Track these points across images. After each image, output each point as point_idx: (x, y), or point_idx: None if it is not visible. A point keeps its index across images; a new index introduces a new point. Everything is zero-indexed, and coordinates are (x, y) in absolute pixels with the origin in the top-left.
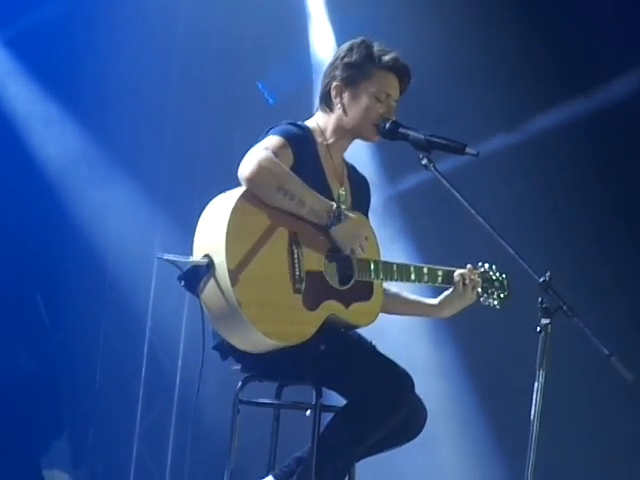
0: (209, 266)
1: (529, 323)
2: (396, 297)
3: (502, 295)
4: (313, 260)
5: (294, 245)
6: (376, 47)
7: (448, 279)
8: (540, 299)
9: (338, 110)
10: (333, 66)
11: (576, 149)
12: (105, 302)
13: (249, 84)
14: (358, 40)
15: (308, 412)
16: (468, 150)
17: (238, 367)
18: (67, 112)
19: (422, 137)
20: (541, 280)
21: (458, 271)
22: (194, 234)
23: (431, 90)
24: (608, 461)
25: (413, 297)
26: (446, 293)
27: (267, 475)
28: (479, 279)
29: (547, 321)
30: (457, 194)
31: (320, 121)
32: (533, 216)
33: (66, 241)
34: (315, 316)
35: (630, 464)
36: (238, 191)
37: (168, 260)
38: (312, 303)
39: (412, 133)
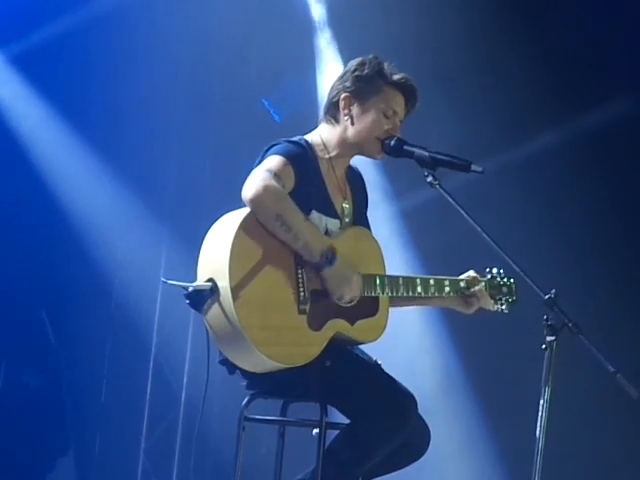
0: (213, 290)
1: (535, 340)
2: None
3: (510, 300)
4: (319, 278)
5: (299, 265)
6: (386, 65)
7: (455, 289)
8: (545, 316)
9: (345, 122)
10: (343, 79)
11: (582, 165)
12: (111, 319)
13: (256, 101)
14: (370, 56)
15: (315, 431)
16: (474, 167)
17: (244, 383)
18: (74, 130)
19: (427, 154)
20: (546, 297)
21: (472, 289)
22: (200, 252)
23: (432, 107)
24: (613, 477)
25: None
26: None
27: None
28: (484, 291)
29: (552, 338)
30: (462, 211)
31: (324, 133)
32: (538, 233)
33: (72, 259)
34: (320, 336)
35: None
36: (242, 212)
37: (172, 284)
38: (317, 323)
39: (417, 150)
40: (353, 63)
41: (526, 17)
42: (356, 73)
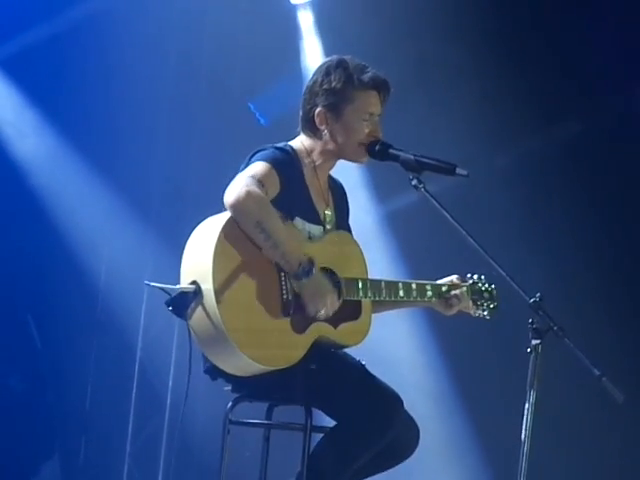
0: (196, 293)
1: (520, 344)
2: None
3: (492, 306)
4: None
5: (282, 268)
6: (352, 66)
7: (438, 293)
8: (531, 320)
9: (325, 135)
10: (313, 92)
11: (565, 170)
12: (96, 323)
13: (240, 105)
14: (334, 62)
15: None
16: (458, 171)
17: (229, 387)
18: (59, 134)
19: (412, 158)
20: (532, 301)
21: (452, 292)
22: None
23: (417, 112)
24: None
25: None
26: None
27: None
28: (465, 295)
29: (538, 342)
30: (448, 215)
31: (306, 143)
32: (524, 237)
33: (58, 262)
34: (304, 339)
35: None
36: (224, 216)
37: (156, 287)
38: (301, 326)
39: (402, 154)
40: (319, 73)
41: (510, 25)
42: (324, 86)
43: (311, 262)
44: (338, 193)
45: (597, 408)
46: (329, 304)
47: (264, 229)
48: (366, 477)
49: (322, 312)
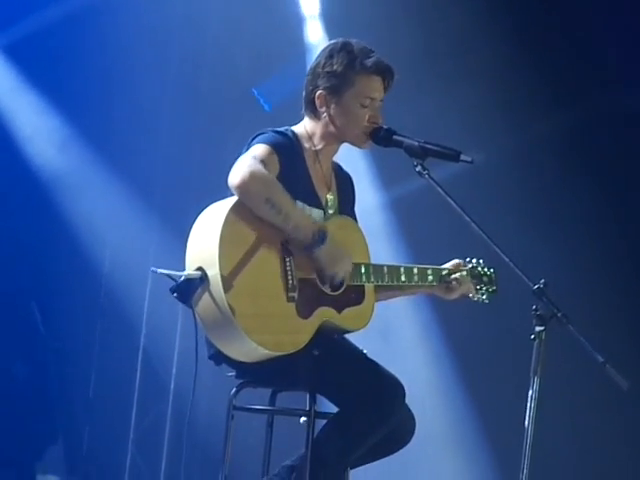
0: (202, 279)
1: (524, 330)
2: None
3: (491, 290)
4: (305, 267)
5: (286, 254)
6: (356, 50)
7: (439, 277)
8: (534, 306)
9: (324, 118)
10: (315, 73)
11: (572, 156)
12: (100, 310)
13: (244, 91)
14: (338, 45)
15: (303, 419)
16: (463, 157)
17: (232, 373)
18: (63, 121)
19: (416, 144)
20: (535, 287)
21: (453, 275)
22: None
23: (423, 97)
24: (602, 468)
25: None
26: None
27: None
28: (466, 278)
29: (541, 328)
30: (452, 201)
31: (308, 126)
32: (528, 223)
33: (61, 249)
34: (309, 324)
35: (624, 470)
36: (229, 202)
37: (162, 274)
38: (306, 311)
39: (406, 140)
40: (322, 56)
41: (525, 10)
42: (327, 69)
43: (323, 229)
44: (343, 181)
45: (601, 395)
46: (347, 267)
47: (274, 204)
48: (364, 464)
49: (341, 275)
